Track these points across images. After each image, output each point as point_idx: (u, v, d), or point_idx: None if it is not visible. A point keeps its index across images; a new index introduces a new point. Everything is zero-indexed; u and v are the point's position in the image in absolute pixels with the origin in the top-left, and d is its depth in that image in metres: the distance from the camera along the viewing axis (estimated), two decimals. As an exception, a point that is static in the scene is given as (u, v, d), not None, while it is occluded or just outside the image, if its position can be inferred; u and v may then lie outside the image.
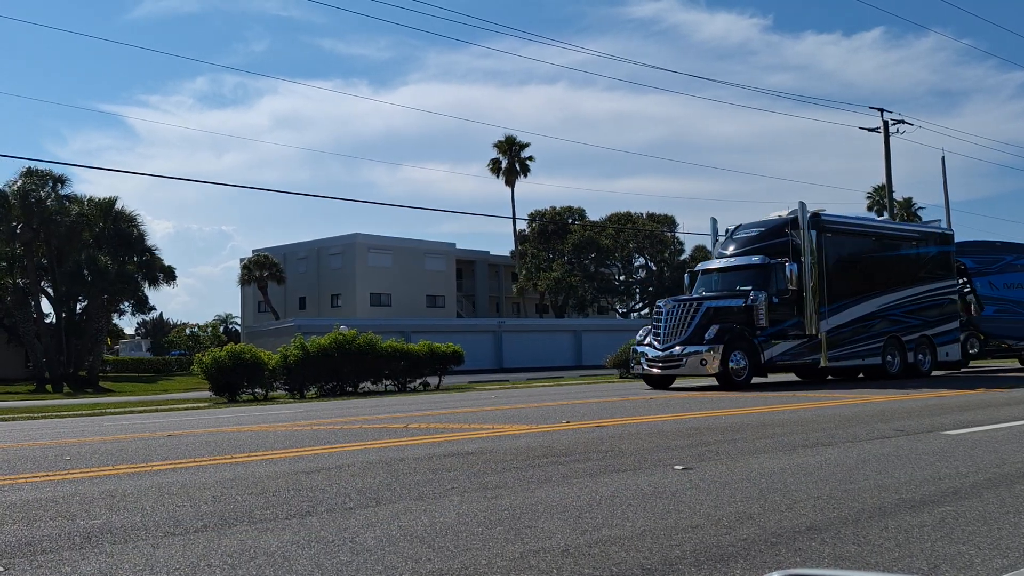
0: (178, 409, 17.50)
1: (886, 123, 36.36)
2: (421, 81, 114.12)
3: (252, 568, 3.51)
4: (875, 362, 18.54)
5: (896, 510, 4.37)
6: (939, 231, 21.32)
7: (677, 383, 17.84)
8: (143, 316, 61.34)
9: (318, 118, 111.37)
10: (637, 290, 71.12)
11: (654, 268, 69.76)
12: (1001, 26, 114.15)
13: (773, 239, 17.73)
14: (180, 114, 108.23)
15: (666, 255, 69.00)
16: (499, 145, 60.80)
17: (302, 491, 5.34)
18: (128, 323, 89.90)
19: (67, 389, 42.01)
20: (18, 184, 43.25)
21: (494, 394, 19.29)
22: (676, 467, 5.94)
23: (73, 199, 45.98)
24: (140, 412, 16.47)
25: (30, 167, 43.96)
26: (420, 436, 8.69)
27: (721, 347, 16.06)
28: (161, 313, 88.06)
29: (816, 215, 17.61)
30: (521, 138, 60.82)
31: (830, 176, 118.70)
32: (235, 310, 79.80)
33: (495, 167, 61.31)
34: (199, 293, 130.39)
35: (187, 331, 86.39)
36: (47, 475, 6.54)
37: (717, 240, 19.56)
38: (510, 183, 61.10)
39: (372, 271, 59.58)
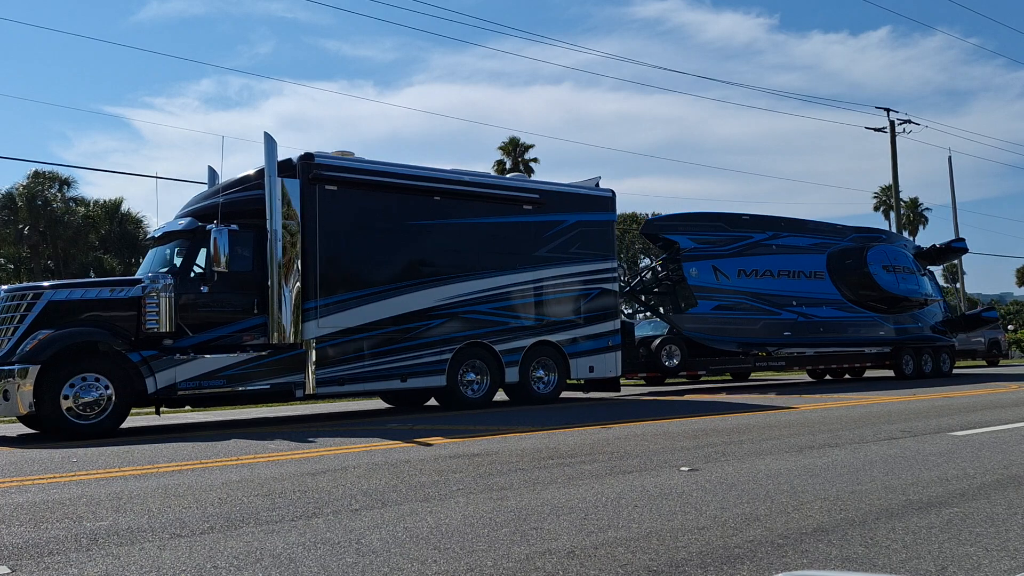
0: (183, 410, 17.52)
1: (892, 123, 36.25)
2: (426, 82, 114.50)
3: (258, 570, 3.51)
4: (435, 383, 12.50)
5: (903, 511, 4.36)
6: (579, 191, 14.49)
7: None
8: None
9: (323, 120, 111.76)
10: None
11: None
12: (1009, 25, 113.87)
13: (232, 193, 11.66)
14: (186, 116, 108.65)
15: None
16: (503, 147, 60.83)
17: (308, 493, 5.35)
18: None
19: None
20: (25, 186, 43.45)
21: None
22: (682, 468, 5.93)
23: (79, 201, 46.15)
24: (145, 413, 16.50)
25: (36, 169, 44.13)
26: (425, 437, 8.69)
27: (37, 369, 9.47)
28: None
29: (308, 156, 11.59)
30: (525, 139, 60.84)
31: (836, 176, 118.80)
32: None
33: (500, 169, 61.26)
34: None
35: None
36: (54, 477, 6.56)
37: None
38: (514, 184, 61.07)
39: (377, 272, 59.51)
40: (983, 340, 32.21)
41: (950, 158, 41.80)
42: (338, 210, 11.80)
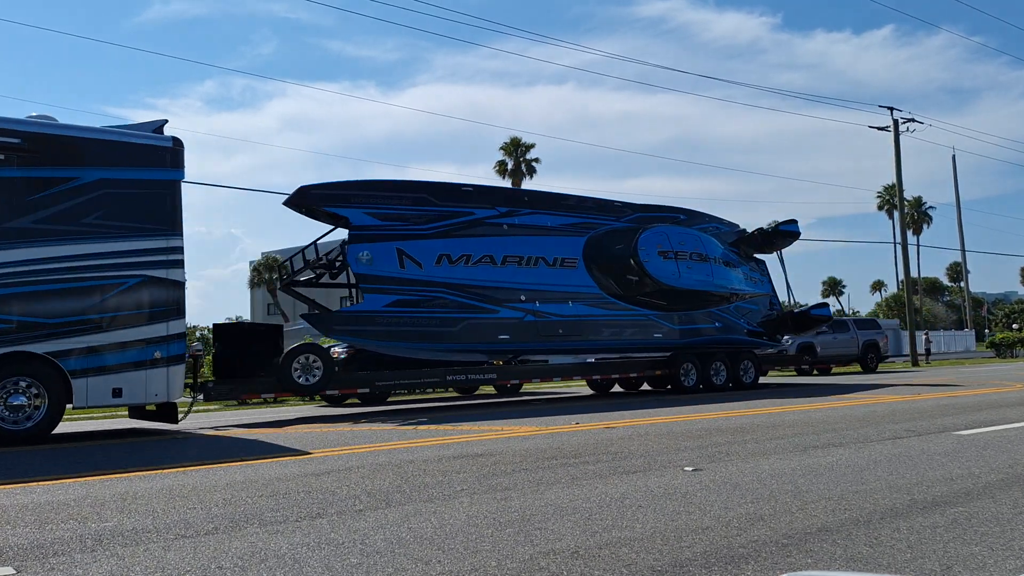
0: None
1: (896, 121, 36.21)
2: (429, 83, 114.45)
3: (263, 570, 3.51)
4: None
5: (908, 511, 4.35)
6: (106, 136, 10.44)
7: None
8: (152, 319, 61.34)
9: (326, 120, 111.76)
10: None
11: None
12: (1013, 24, 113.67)
13: None
14: (188, 117, 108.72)
15: (675, 256, 68.85)
16: (505, 147, 60.83)
17: (312, 493, 5.35)
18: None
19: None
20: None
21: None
22: (686, 468, 5.93)
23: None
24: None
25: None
26: (429, 437, 8.70)
27: None
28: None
29: None
30: (528, 139, 60.76)
31: (840, 175, 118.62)
32: (245, 312, 79.98)
33: (501, 169, 61.32)
34: (208, 296, 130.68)
35: (197, 334, 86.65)
36: (59, 478, 6.57)
37: None
38: (516, 185, 61.10)
39: (380, 273, 59.48)
40: (857, 343, 28.01)
41: (954, 156, 41.82)
42: None
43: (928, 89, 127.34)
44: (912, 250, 61.78)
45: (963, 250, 53.74)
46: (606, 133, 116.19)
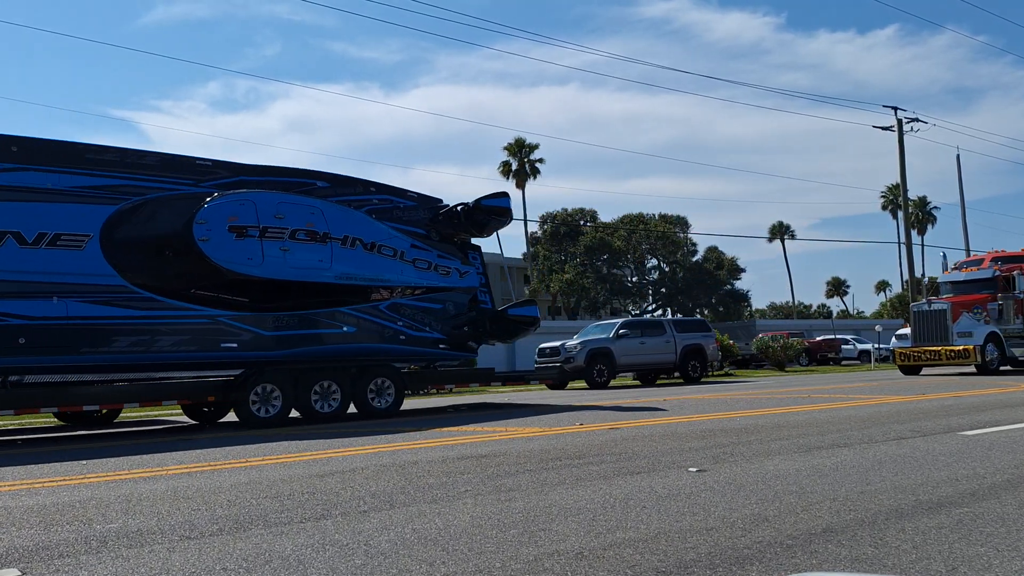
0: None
1: (900, 121, 36.16)
2: (432, 84, 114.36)
3: (267, 572, 3.52)
4: None
5: (913, 512, 4.34)
6: None
7: None
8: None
9: (330, 122, 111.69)
10: (650, 291, 70.99)
11: (667, 269, 69.61)
12: (1017, 23, 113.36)
13: None
14: (192, 119, 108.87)
15: (679, 256, 68.86)
16: (508, 148, 60.88)
17: (316, 495, 5.36)
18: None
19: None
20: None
21: (507, 396, 19.29)
22: (690, 469, 5.92)
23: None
24: (154, 416, 16.57)
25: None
26: (434, 439, 8.70)
27: None
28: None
29: None
30: (531, 140, 60.92)
31: (844, 176, 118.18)
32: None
33: (505, 169, 61.37)
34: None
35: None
36: (64, 479, 6.59)
37: None
38: (520, 185, 61.13)
39: (384, 274, 59.55)
40: (675, 348, 23.43)
41: (958, 156, 41.57)
42: None
43: (932, 89, 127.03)
44: (917, 250, 61.63)
45: (968, 250, 53.54)
46: (610, 134, 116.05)
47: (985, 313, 21.72)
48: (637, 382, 24.58)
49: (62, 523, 4.69)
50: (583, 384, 22.56)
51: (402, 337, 13.44)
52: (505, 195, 15.09)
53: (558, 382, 22.71)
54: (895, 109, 36.17)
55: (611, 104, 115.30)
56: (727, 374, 29.83)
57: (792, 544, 3.72)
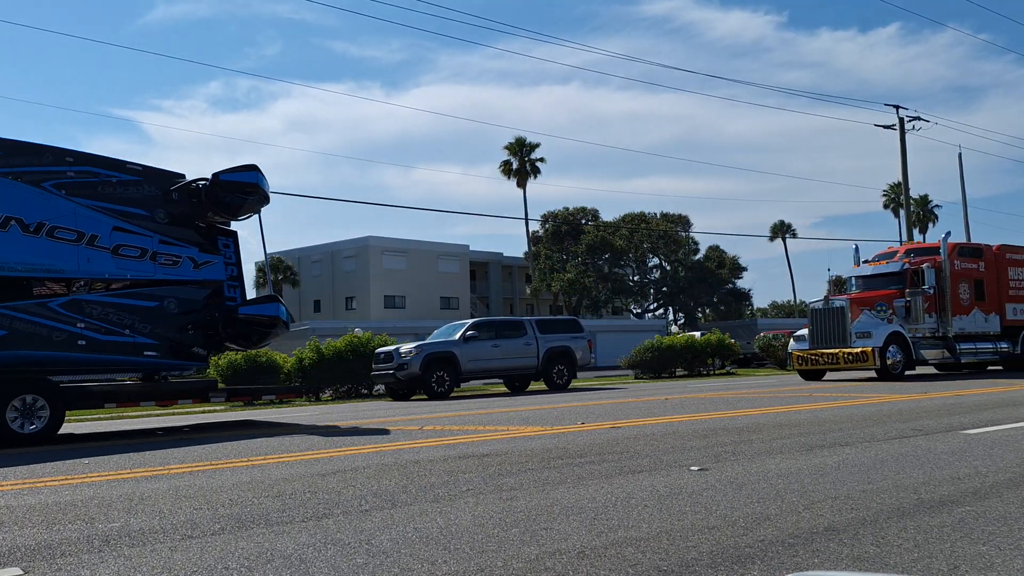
0: (195, 412, 17.60)
1: (902, 120, 36.12)
2: (433, 83, 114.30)
3: (269, 571, 3.52)
4: None
5: (915, 510, 4.33)
6: None
7: None
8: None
9: (331, 121, 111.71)
10: (651, 290, 71.01)
11: (668, 268, 69.63)
12: (1020, 21, 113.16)
13: None
14: (194, 118, 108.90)
15: (680, 255, 68.86)
16: (509, 147, 60.86)
17: (318, 494, 5.36)
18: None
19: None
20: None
21: (506, 399, 19.30)
22: (692, 468, 5.92)
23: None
24: (157, 416, 16.60)
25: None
26: (435, 438, 8.70)
27: None
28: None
29: None
30: (532, 139, 60.88)
31: (846, 174, 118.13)
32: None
33: (506, 169, 61.37)
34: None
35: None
36: (66, 478, 6.59)
37: None
38: (521, 184, 61.15)
39: (386, 273, 59.77)
40: (536, 351, 20.82)
41: (960, 155, 41.55)
42: None
43: (934, 87, 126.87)
44: (918, 249, 61.41)
45: (970, 249, 53.53)
46: (611, 132, 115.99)
47: (891, 311, 19.46)
48: (506, 389, 21.79)
49: (64, 522, 4.69)
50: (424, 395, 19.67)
51: (82, 343, 10.81)
52: (253, 168, 12.37)
53: (396, 392, 20.14)
54: (897, 107, 36.16)
55: (613, 103, 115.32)
56: (728, 373, 29.83)
57: (794, 543, 3.72)
